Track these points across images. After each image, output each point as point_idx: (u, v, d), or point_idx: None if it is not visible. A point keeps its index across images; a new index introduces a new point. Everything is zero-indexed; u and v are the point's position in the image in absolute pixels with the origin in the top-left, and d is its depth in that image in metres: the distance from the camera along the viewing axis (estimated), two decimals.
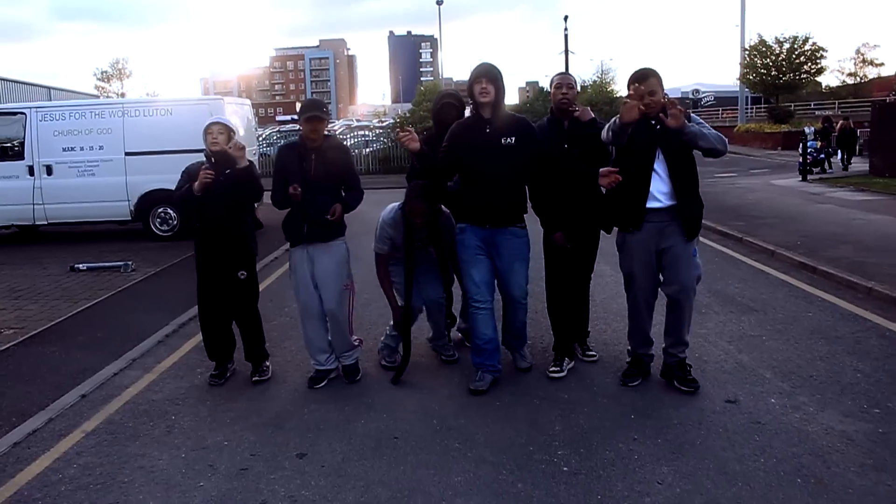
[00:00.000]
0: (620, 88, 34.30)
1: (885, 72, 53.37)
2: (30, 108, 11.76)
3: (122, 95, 51.88)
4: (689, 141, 4.26)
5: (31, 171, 11.45)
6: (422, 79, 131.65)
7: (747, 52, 37.69)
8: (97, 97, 38.24)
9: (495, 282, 4.76)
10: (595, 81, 42.77)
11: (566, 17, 37.47)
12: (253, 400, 4.77)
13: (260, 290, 5.39)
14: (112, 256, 9.96)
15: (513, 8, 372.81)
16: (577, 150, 4.73)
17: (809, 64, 37.10)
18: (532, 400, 4.55)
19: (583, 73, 49.23)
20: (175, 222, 11.70)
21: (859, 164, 20.21)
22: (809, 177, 18.14)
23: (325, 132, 4.85)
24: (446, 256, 4.97)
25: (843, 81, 57.71)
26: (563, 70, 5.15)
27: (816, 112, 37.37)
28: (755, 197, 14.84)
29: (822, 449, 3.74)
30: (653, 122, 4.31)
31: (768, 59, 37.17)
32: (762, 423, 4.08)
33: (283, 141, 26.14)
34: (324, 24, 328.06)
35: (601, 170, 4.41)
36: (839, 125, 21.65)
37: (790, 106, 40.04)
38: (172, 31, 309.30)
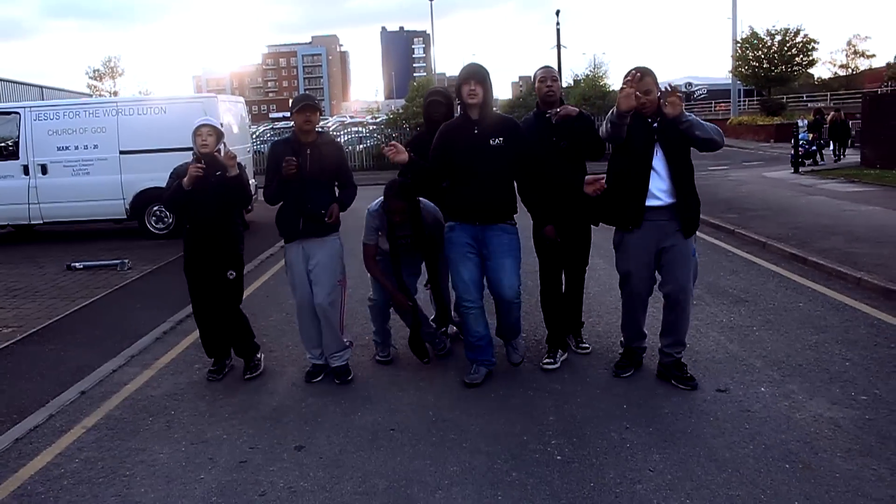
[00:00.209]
0: (613, 83, 34.32)
1: (877, 63, 53.66)
2: (24, 107, 11.79)
3: (115, 94, 51.61)
4: (686, 131, 4.23)
5: (25, 170, 11.49)
6: (415, 74, 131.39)
7: (739, 45, 37.80)
8: (90, 96, 38.11)
9: (485, 281, 4.76)
10: (588, 75, 42.79)
11: (558, 12, 37.39)
12: (251, 394, 4.83)
13: (256, 286, 5.44)
14: (108, 255, 10.01)
15: (505, 2, 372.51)
16: (566, 142, 4.78)
17: (801, 56, 37.22)
18: (526, 391, 4.62)
19: (575, 68, 49.29)
20: (170, 220, 11.74)
21: (853, 156, 20.33)
22: (801, 169, 18.27)
23: (318, 128, 4.89)
24: (434, 257, 5.02)
25: (835, 73, 58.05)
26: (549, 65, 5.14)
27: (809, 104, 37.61)
28: (747, 189, 14.94)
29: (809, 435, 3.82)
30: (649, 120, 4.34)
31: (760, 52, 37.28)
32: (752, 412, 4.16)
33: (276, 138, 26.15)
34: (316, 21, 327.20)
35: (587, 177, 4.45)
36: (830, 117, 21.78)
37: (782, 98, 40.20)
38: (164, 29, 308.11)
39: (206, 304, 5.07)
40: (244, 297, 5.33)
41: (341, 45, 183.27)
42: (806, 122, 21.18)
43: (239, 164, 4.93)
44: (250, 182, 5.56)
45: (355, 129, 30.70)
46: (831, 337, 5.42)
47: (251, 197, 5.08)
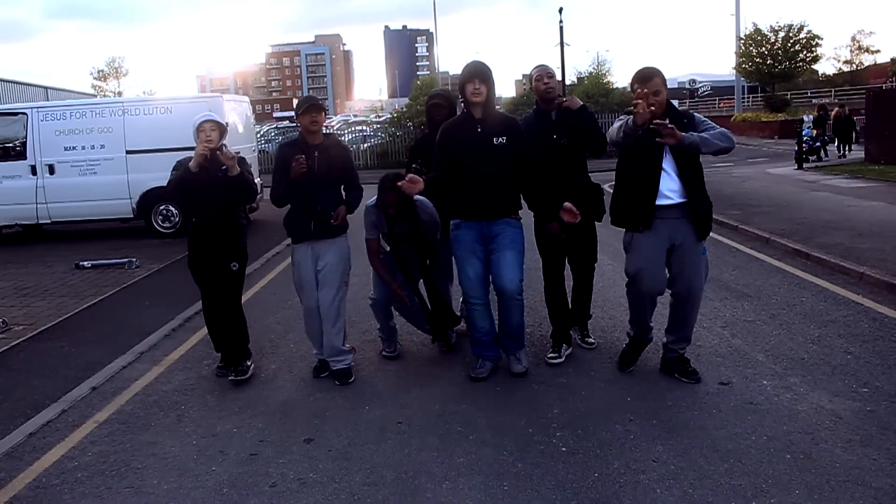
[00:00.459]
0: (617, 80, 34.29)
1: (881, 59, 53.49)
2: (31, 108, 11.88)
3: (119, 94, 51.89)
4: (692, 150, 4.25)
5: (33, 170, 11.59)
6: (418, 73, 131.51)
7: (743, 42, 37.75)
8: (94, 96, 38.27)
9: (490, 277, 4.78)
10: (591, 73, 42.85)
11: (561, 10, 37.31)
12: (259, 390, 4.90)
13: (263, 283, 5.50)
14: (115, 254, 10.10)
15: (508, 0, 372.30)
16: (567, 139, 4.82)
17: (805, 52, 37.18)
18: (531, 385, 4.68)
19: (579, 65, 49.32)
20: (177, 219, 11.83)
21: (857, 152, 20.31)
22: (805, 165, 18.28)
23: (324, 130, 4.94)
24: (425, 252, 5.05)
25: (840, 69, 57.86)
26: (543, 63, 5.15)
27: (813, 100, 37.51)
28: (751, 186, 14.97)
29: (811, 427, 3.87)
30: (658, 120, 4.28)
31: (764, 48, 37.24)
32: (754, 404, 4.21)
33: (280, 137, 26.25)
34: (319, 20, 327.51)
35: (565, 204, 4.46)
36: (834, 113, 21.74)
37: (786, 94, 40.17)
38: (167, 29, 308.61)
39: (214, 298, 5.13)
40: (251, 294, 5.39)
41: (344, 45, 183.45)
42: (811, 117, 21.17)
43: (241, 159, 4.97)
44: (256, 181, 5.59)
45: (359, 128, 30.79)
46: (834, 331, 5.47)
47: (256, 192, 5.12)
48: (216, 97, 13.15)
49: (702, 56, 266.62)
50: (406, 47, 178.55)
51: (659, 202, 4.36)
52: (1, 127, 12.17)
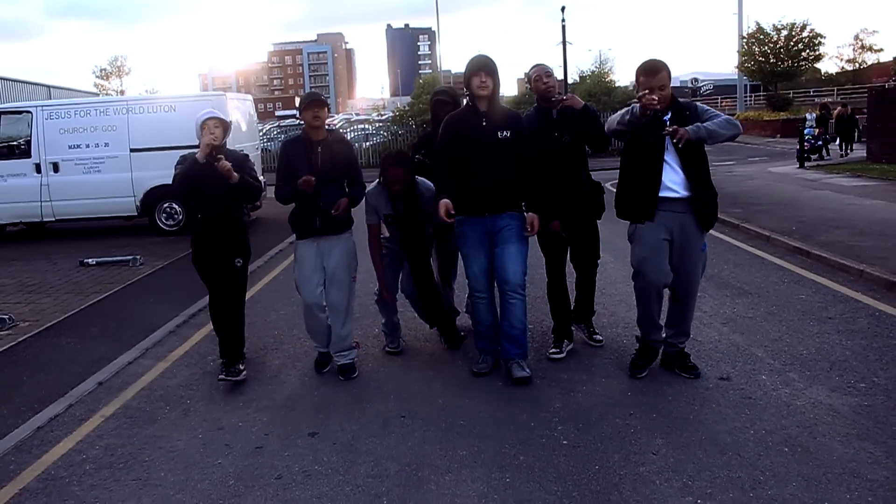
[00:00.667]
0: (619, 79, 34.29)
1: (884, 58, 53.40)
2: (35, 106, 11.96)
3: (122, 93, 51.95)
4: (699, 143, 4.29)
5: (37, 168, 11.67)
6: (420, 72, 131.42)
7: (745, 40, 37.74)
8: (97, 95, 38.35)
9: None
10: (593, 72, 42.84)
11: (563, 8, 37.32)
12: (264, 385, 4.96)
13: (266, 280, 5.55)
14: (119, 251, 10.18)
15: None
16: (569, 137, 4.85)
17: (807, 51, 37.15)
18: (533, 380, 4.72)
19: (581, 64, 49.31)
20: (180, 217, 11.90)
21: (860, 151, 20.32)
22: (807, 164, 18.30)
23: (326, 126, 4.96)
24: (422, 228, 5.08)
25: (842, 68, 57.79)
26: (541, 62, 5.16)
27: (815, 99, 37.48)
28: (753, 184, 15.00)
29: (809, 421, 3.92)
30: (660, 113, 4.30)
31: (766, 47, 37.23)
32: (753, 399, 4.26)
33: (283, 136, 26.31)
34: (321, 18, 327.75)
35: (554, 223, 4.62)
36: (836, 112, 21.75)
37: (789, 93, 40.12)
38: (169, 28, 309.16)
39: (221, 297, 5.16)
40: (254, 291, 5.43)
41: (347, 43, 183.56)
42: (814, 116, 21.18)
43: (245, 157, 5.00)
44: (260, 178, 5.63)
45: (361, 126, 30.84)
46: (832, 327, 5.51)
47: (260, 191, 5.16)
48: (220, 95, 13.20)
49: (704, 55, 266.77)
50: (408, 46, 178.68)
51: (662, 194, 4.37)
52: (6, 125, 12.24)
